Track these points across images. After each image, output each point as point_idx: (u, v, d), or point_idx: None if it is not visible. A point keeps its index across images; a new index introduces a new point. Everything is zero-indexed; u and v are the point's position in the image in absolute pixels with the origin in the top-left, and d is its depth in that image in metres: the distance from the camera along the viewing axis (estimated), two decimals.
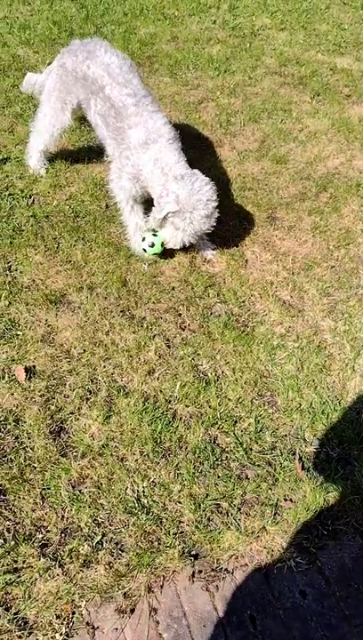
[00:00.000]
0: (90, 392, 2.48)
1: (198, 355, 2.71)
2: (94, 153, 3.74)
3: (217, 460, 2.31)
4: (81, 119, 3.57)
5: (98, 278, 3.00)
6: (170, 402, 2.50)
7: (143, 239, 2.96)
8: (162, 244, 2.90)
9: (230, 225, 3.41)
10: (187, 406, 2.49)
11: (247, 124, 4.26)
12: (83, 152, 3.80)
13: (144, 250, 2.96)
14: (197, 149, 3.97)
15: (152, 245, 2.91)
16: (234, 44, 5.25)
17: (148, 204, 2.99)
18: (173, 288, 3.01)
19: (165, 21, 5.54)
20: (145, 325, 2.79)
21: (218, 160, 3.92)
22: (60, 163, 3.68)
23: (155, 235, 2.90)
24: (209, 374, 2.62)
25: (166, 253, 3.16)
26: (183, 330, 2.82)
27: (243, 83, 4.74)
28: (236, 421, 2.45)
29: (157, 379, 2.59)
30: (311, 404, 2.56)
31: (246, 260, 3.22)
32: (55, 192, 3.49)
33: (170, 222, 2.77)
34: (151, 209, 2.86)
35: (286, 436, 2.44)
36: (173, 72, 4.78)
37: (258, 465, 2.31)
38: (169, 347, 2.73)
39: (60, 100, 3.18)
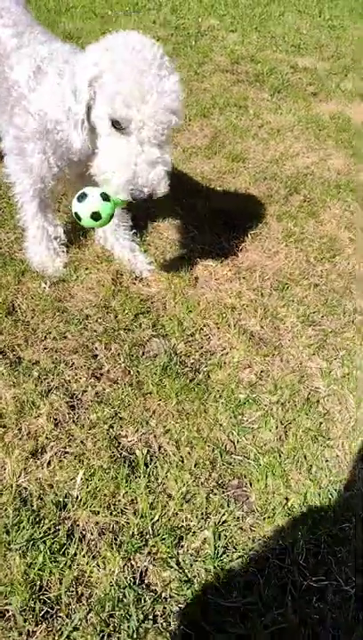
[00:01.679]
0: None
1: (121, 420, 1.68)
2: None
3: (141, 626, 1.25)
4: None
5: None
6: (65, 507, 1.44)
7: (80, 197, 1.58)
8: (112, 215, 1.60)
9: (174, 232, 2.46)
10: (95, 513, 1.44)
11: (194, 120, 3.39)
12: None
13: (77, 217, 1.58)
14: None
15: (96, 217, 1.56)
16: (177, 42, 4.47)
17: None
18: (87, 317, 1.99)
19: (96, 18, 4.73)
20: (35, 374, 1.75)
21: None
22: None
23: (105, 198, 1.55)
24: (137, 452, 1.59)
25: (80, 264, 2.16)
26: (98, 379, 1.79)
27: (188, 78, 3.92)
28: (180, 539, 1.41)
29: (47, 464, 1.53)
30: (305, 496, 1.55)
31: (196, 278, 2.24)
32: None
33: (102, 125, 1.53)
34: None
35: (267, 560, 1.40)
36: None
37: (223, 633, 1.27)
38: (73, 408, 1.69)
39: None
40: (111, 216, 1.59)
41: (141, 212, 2.44)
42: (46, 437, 1.60)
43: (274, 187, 2.87)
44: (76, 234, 2.35)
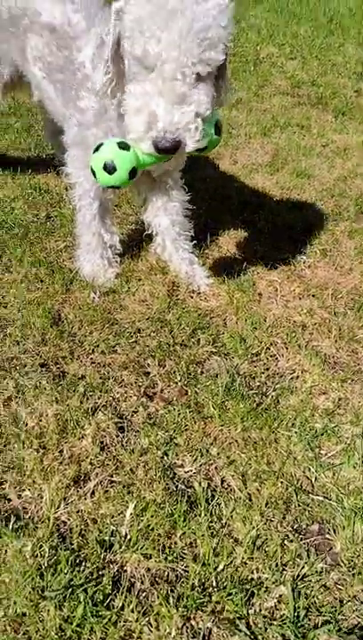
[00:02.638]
0: None
1: (177, 446, 1.43)
2: (41, 160, 2.65)
3: None
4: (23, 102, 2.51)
5: (11, 311, 1.78)
6: (110, 547, 1.19)
7: (96, 148, 1.37)
8: (133, 171, 1.36)
9: (234, 246, 2.25)
10: (146, 557, 1.18)
11: (255, 137, 3.23)
12: (23, 153, 2.72)
13: (93, 173, 1.38)
14: (188, 159, 2.88)
15: (110, 169, 1.33)
16: (236, 68, 4.37)
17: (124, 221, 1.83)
18: (139, 330, 1.78)
19: None
20: (81, 390, 1.54)
21: (216, 173, 2.82)
22: None
23: (123, 147, 1.34)
24: (196, 486, 1.34)
25: (132, 275, 1.97)
26: (151, 399, 1.56)
27: (248, 99, 3.78)
28: (250, 595, 1.14)
29: (91, 494, 1.29)
30: None
31: (260, 294, 2.01)
32: None
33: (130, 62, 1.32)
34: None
35: (361, 629, 1.11)
36: None
37: None
38: (122, 430, 1.45)
39: None
40: (133, 172, 1.35)
41: (201, 224, 2.25)
42: (90, 462, 1.36)
43: (343, 204, 2.64)
44: (130, 243, 2.17)
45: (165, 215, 1.97)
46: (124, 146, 1.33)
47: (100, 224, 1.90)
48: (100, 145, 1.36)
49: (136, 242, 2.18)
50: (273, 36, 5.25)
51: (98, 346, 1.70)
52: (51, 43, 1.79)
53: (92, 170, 1.36)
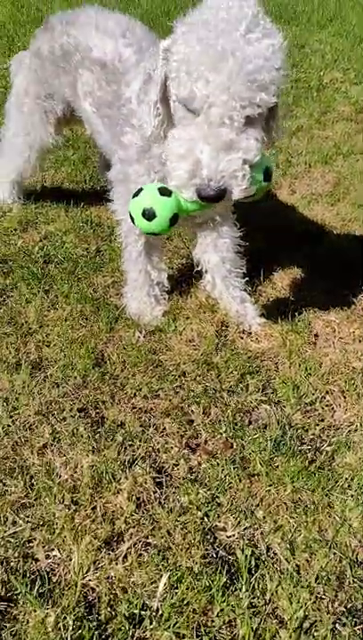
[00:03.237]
0: None
1: (219, 506, 1.32)
2: (94, 193, 2.64)
3: None
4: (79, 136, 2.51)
5: (54, 351, 1.72)
6: (140, 622, 1.09)
7: (136, 193, 1.32)
8: (174, 218, 1.29)
9: (290, 283, 2.13)
10: (179, 637, 1.07)
11: (315, 166, 3.10)
12: (78, 185, 2.71)
13: (131, 218, 1.33)
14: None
15: (149, 215, 1.27)
16: (297, 94, 4.27)
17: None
18: (184, 373, 1.68)
19: None
20: (120, 439, 1.45)
21: (273, 204, 2.72)
22: (42, 195, 2.58)
23: (164, 193, 1.28)
24: (238, 553, 1.21)
25: (180, 312, 1.89)
26: (193, 451, 1.45)
27: (309, 126, 3.67)
28: None
29: (123, 558, 1.20)
30: None
31: (316, 335, 1.88)
32: (25, 230, 2.33)
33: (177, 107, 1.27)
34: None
35: None
36: None
37: None
38: (160, 485, 1.35)
39: (37, 108, 2.10)
40: (174, 219, 1.27)
41: (254, 259, 2.14)
42: (125, 521, 1.27)
43: None
44: (180, 279, 2.09)
45: (215, 252, 1.88)
46: (165, 192, 1.26)
47: (146, 261, 1.84)
48: (140, 190, 1.30)
49: (187, 277, 2.10)
50: (338, 61, 5.12)
51: (140, 389, 1.62)
52: (101, 78, 1.76)
53: (130, 215, 1.30)
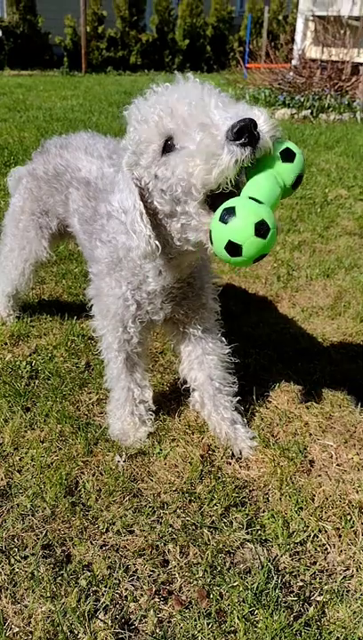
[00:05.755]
0: None
1: None
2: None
3: None
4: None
5: (25, 477, 1.61)
6: None
7: (227, 214, 1.13)
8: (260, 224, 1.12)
9: (286, 401, 2.02)
10: None
11: (316, 279, 3.09)
12: (77, 298, 2.71)
13: (227, 251, 1.15)
14: (244, 303, 2.78)
15: (263, 231, 1.12)
16: (301, 210, 4.38)
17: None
18: (164, 505, 1.54)
19: None
20: (83, 584, 1.30)
21: (271, 317, 2.67)
22: (40, 307, 2.58)
23: (257, 201, 1.14)
24: None
25: (166, 434, 1.78)
26: (165, 600, 1.29)
27: (312, 240, 3.71)
28: None
29: None
30: None
31: (311, 461, 1.74)
32: (16, 344, 2.30)
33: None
34: None
35: None
36: None
37: None
38: None
39: (32, 224, 2.15)
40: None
41: (249, 375, 2.06)
42: None
43: None
44: (170, 396, 2.00)
45: (201, 370, 1.81)
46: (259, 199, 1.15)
47: (128, 378, 1.77)
48: (231, 210, 1.13)
49: (178, 394, 2.01)
50: (343, 179, 5.32)
51: (114, 523, 1.47)
52: (84, 195, 1.81)
53: (224, 248, 1.15)
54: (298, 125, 7.62)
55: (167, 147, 1.23)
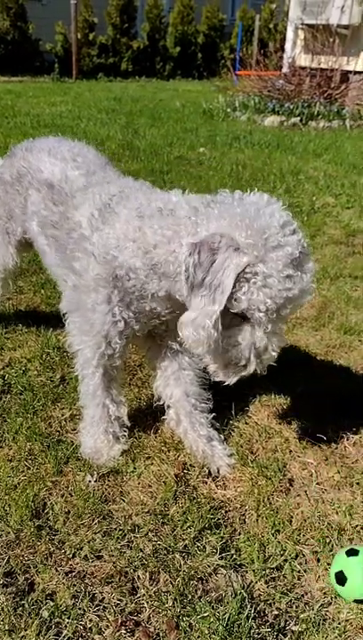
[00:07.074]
0: None
1: None
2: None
3: None
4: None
5: None
6: None
7: (341, 576, 1.31)
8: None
9: (266, 416, 1.96)
10: None
11: None
12: (54, 308, 2.64)
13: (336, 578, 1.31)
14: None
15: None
16: None
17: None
18: (135, 528, 1.47)
19: None
20: (45, 615, 1.23)
21: None
22: (16, 318, 2.51)
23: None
24: None
25: (141, 451, 1.71)
26: (132, 633, 1.22)
27: None
28: None
29: None
30: None
31: (290, 480, 1.68)
32: None
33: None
34: None
35: None
36: None
37: None
38: None
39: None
40: None
41: (227, 389, 2.00)
42: None
43: None
44: (146, 411, 1.94)
45: (177, 385, 1.74)
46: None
47: (104, 394, 1.70)
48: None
49: (153, 410, 1.94)
50: (330, 187, 5.28)
51: (81, 548, 1.40)
52: (47, 198, 1.75)
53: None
54: (287, 132, 7.60)
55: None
